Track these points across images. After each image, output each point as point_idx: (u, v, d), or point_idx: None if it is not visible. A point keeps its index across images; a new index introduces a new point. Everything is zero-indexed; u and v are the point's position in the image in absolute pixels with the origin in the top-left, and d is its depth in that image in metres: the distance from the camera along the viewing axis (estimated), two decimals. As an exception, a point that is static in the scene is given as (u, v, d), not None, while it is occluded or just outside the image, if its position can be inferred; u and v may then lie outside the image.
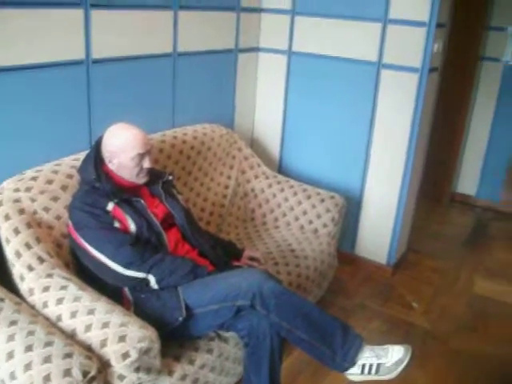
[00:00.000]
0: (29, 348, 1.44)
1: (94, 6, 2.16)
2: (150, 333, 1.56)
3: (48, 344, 1.46)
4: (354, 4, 2.87)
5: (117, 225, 1.82)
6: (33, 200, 1.87)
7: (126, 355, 1.48)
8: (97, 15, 2.19)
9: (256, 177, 2.89)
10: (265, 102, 3.35)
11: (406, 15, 2.72)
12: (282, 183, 2.84)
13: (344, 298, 2.91)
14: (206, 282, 1.82)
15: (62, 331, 1.57)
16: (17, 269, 1.75)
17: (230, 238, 2.57)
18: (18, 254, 1.75)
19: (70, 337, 1.56)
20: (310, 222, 2.70)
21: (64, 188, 1.97)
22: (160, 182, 2.05)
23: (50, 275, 1.72)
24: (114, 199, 1.84)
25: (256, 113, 3.40)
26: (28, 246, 1.77)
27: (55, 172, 1.99)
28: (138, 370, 1.52)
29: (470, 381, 2.34)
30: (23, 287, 1.73)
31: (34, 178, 1.93)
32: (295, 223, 2.73)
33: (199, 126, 2.78)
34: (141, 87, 2.53)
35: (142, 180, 1.95)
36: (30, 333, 1.49)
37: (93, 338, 1.53)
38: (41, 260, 1.76)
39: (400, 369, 1.73)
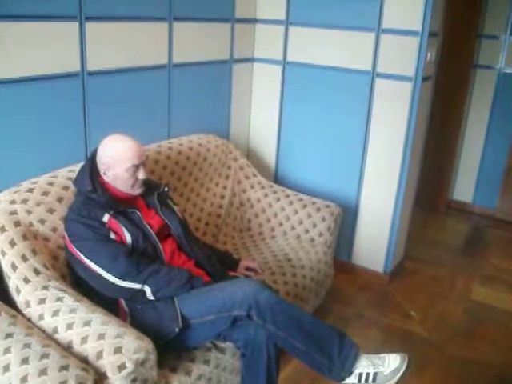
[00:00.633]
0: (25, 361, 1.44)
1: (89, 18, 2.18)
2: (146, 344, 1.55)
3: (44, 356, 1.46)
4: (347, 14, 2.89)
5: (112, 236, 1.82)
6: (29, 212, 1.87)
7: (122, 367, 1.48)
8: (92, 28, 2.20)
9: (252, 187, 2.90)
10: (260, 112, 3.37)
11: (398, 25, 2.75)
12: (277, 193, 2.85)
13: (341, 306, 2.90)
14: (202, 292, 1.82)
15: (58, 343, 1.57)
16: (12, 281, 1.75)
17: (227, 248, 2.57)
18: (14, 266, 1.75)
19: (66, 349, 1.55)
20: (306, 232, 2.70)
21: (60, 200, 1.97)
22: (155, 194, 2.05)
23: (45, 287, 1.72)
24: (110, 211, 1.84)
25: (251, 123, 3.41)
26: (24, 258, 1.76)
27: (51, 184, 2.00)
28: (134, 381, 1.51)
29: (467, 388, 2.34)
30: (19, 299, 1.73)
31: (30, 190, 1.93)
32: (291, 232, 2.74)
33: (195, 137, 2.78)
34: (136, 98, 2.54)
35: (137, 191, 1.95)
36: (26, 345, 1.49)
37: (89, 349, 1.53)
38: (37, 272, 1.76)
39: (397, 377, 1.72)
